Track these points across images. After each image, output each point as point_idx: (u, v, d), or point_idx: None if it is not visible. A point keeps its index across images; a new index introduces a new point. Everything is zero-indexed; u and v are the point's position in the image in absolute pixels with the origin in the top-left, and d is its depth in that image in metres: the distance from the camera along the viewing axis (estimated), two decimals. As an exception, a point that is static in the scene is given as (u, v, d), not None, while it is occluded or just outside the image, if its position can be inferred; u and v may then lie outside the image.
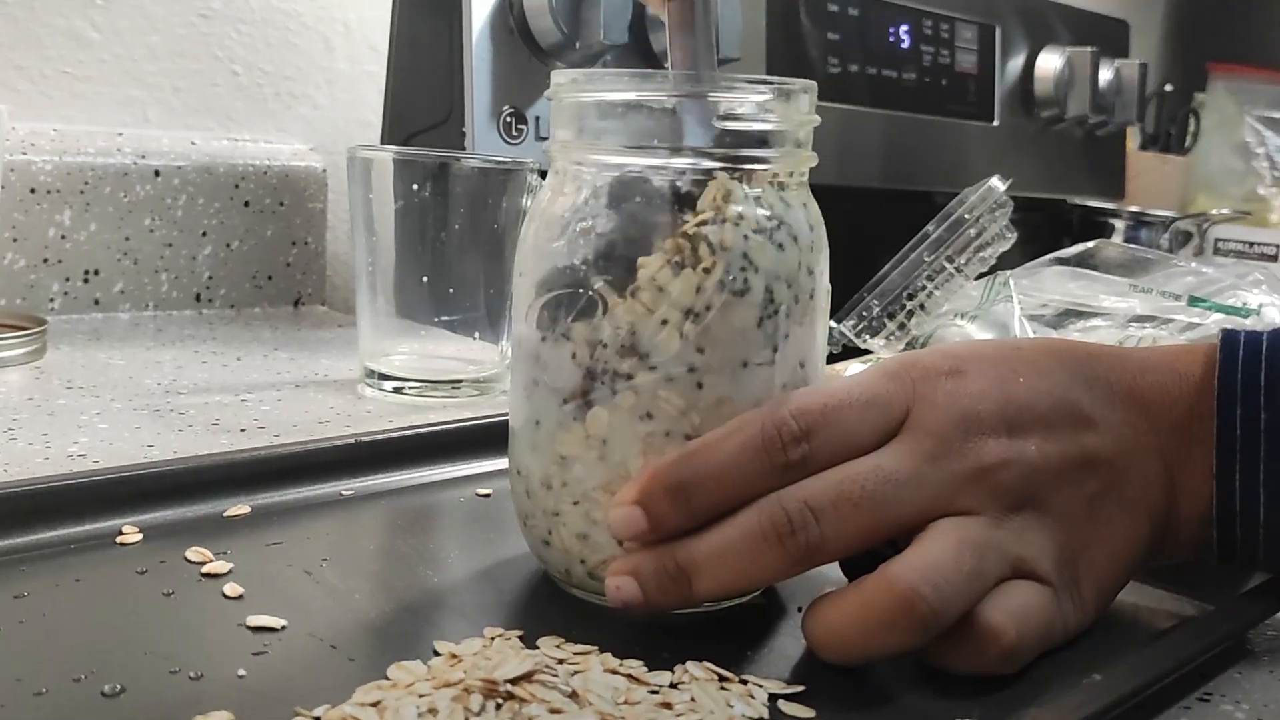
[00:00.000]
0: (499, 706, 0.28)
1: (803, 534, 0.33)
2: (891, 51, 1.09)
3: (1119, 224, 1.36)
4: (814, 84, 0.38)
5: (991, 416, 0.35)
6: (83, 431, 0.54)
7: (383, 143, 0.85)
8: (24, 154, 0.77)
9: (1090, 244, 0.83)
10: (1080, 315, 0.80)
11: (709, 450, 0.34)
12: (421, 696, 0.29)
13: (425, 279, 0.64)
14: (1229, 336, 0.38)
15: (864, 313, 0.80)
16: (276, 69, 0.91)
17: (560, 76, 0.38)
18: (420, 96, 0.83)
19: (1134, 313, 0.78)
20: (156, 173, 0.82)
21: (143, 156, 0.82)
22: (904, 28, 1.10)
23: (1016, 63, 1.22)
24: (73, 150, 0.79)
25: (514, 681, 0.29)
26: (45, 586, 0.37)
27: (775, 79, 0.37)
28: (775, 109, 0.37)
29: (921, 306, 0.81)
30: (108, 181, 0.80)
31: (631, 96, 0.37)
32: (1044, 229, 1.31)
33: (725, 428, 0.35)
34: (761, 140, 0.37)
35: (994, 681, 0.33)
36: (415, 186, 0.63)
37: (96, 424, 0.55)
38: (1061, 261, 0.83)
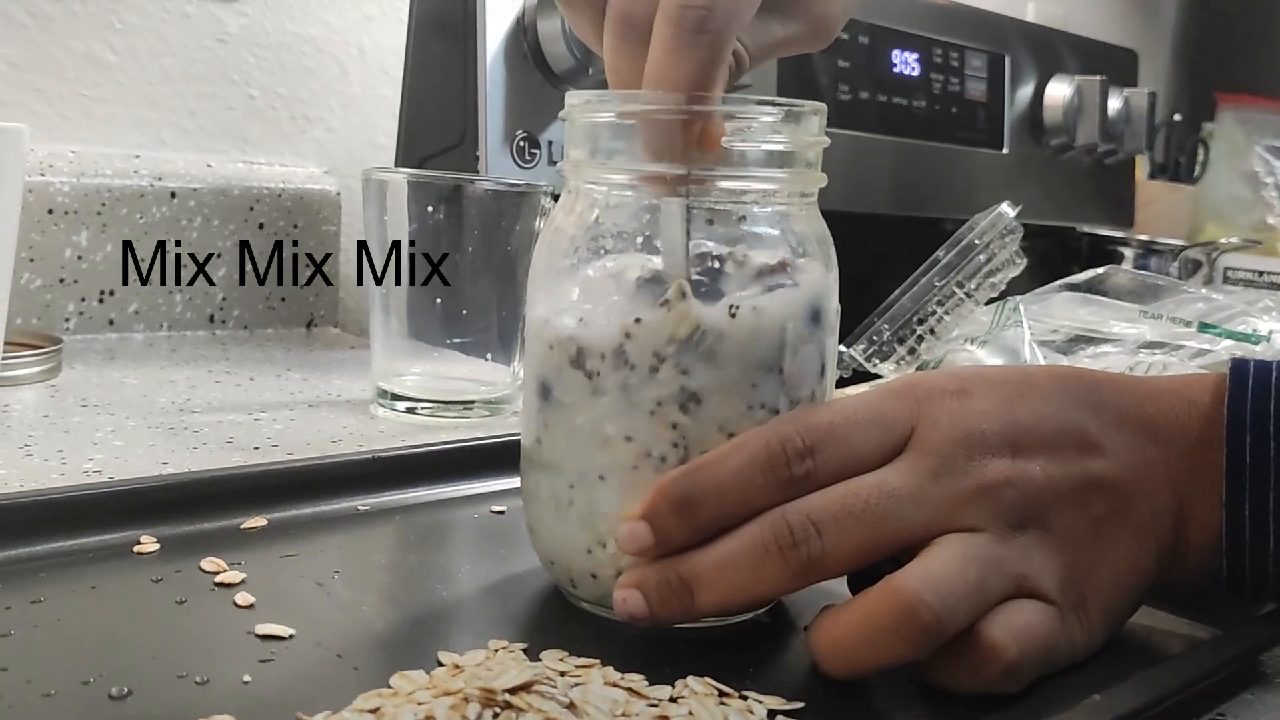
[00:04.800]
0: (496, 715, 0.29)
1: (804, 547, 0.33)
2: (901, 79, 1.09)
3: (1128, 252, 1.36)
4: (824, 106, 0.39)
5: (995, 436, 0.36)
6: (98, 448, 0.54)
7: (396, 166, 0.86)
8: (42, 175, 0.78)
9: (1100, 270, 0.83)
10: (1090, 341, 0.80)
11: (713, 465, 0.35)
12: (420, 704, 0.29)
13: (438, 300, 0.65)
14: (1239, 365, 0.38)
15: (874, 337, 0.80)
16: (291, 93, 0.92)
17: (574, 97, 0.39)
18: (434, 120, 0.84)
19: (1144, 339, 0.78)
20: (172, 194, 0.83)
21: (159, 178, 0.83)
22: (914, 56, 1.11)
23: (1026, 91, 1.23)
24: (90, 172, 0.80)
25: (513, 691, 0.29)
26: (61, 593, 0.37)
27: (785, 100, 0.38)
28: (784, 130, 0.38)
29: (931, 331, 0.82)
30: (124, 203, 0.81)
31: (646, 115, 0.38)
32: (1053, 257, 1.31)
33: (731, 443, 0.35)
34: (772, 160, 0.38)
35: (994, 701, 0.33)
36: (429, 208, 0.64)
37: (111, 441, 0.56)
38: (1072, 287, 0.84)
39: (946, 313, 0.81)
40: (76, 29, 0.81)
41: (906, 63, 1.10)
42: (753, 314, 0.36)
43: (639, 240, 0.38)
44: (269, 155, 0.91)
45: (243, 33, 0.89)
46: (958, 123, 1.16)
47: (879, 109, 1.08)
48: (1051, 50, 1.26)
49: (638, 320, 0.36)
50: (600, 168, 0.38)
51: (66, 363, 0.71)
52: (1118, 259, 1.37)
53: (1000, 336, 0.79)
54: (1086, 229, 1.36)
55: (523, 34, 0.81)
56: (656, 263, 0.37)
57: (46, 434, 0.56)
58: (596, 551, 0.37)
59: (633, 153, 0.38)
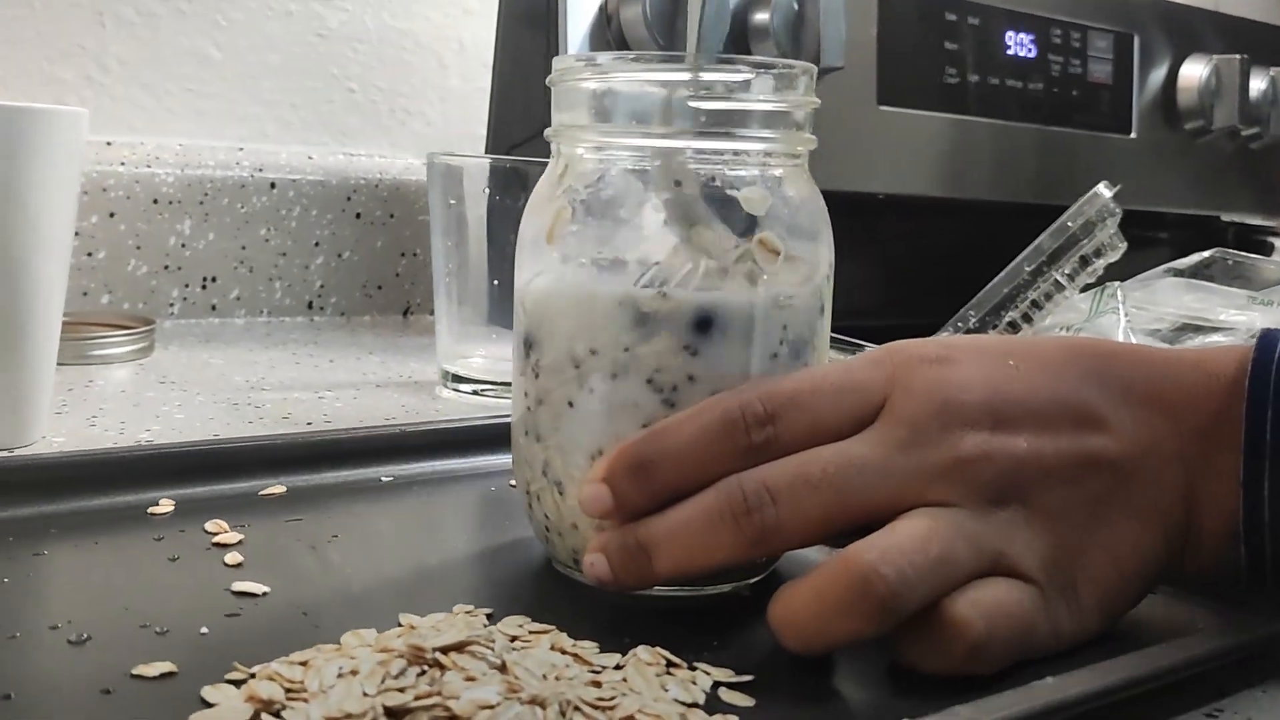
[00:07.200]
0: (422, 673, 0.29)
1: (758, 515, 0.32)
2: (1015, 61, 1.05)
3: (1279, 242, 1.29)
4: (812, 66, 0.38)
5: (975, 408, 0.34)
6: (159, 420, 0.57)
7: (487, 153, 0.88)
8: (148, 167, 0.82)
9: (1206, 254, 0.79)
10: (1199, 330, 0.76)
11: (672, 430, 0.34)
12: (351, 659, 0.29)
13: (495, 283, 0.65)
14: (1267, 336, 0.35)
15: (959, 323, 0.77)
16: (391, 86, 0.94)
17: (560, 63, 0.39)
18: (520, 109, 0.85)
19: (1254, 326, 0.73)
20: (273, 185, 0.86)
21: (260, 169, 0.86)
22: (1029, 37, 1.06)
23: (1158, 73, 1.17)
24: (194, 164, 0.84)
25: (444, 651, 0.29)
26: (65, 548, 0.39)
27: (773, 60, 0.37)
28: (772, 90, 0.37)
29: (1026, 318, 0.78)
30: (226, 193, 0.84)
31: (628, 79, 0.38)
32: (1194, 247, 1.24)
33: (693, 408, 0.34)
34: (759, 121, 0.37)
35: (955, 683, 0.31)
36: (487, 190, 0.65)
37: (174, 414, 0.58)
38: (1176, 273, 0.80)
39: (1041, 298, 0.78)
40: (183, 27, 0.85)
41: (1022, 44, 1.06)
42: (739, 283, 0.35)
43: (620, 211, 0.37)
44: (368, 147, 0.94)
45: (343, 28, 0.91)
46: (1079, 106, 1.11)
47: (991, 92, 1.04)
48: (1188, 29, 1.19)
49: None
50: (586, 130, 0.38)
51: (163, 344, 0.75)
52: (1267, 249, 1.29)
53: (1096, 324, 0.76)
54: (1231, 217, 1.28)
55: (606, 23, 0.82)
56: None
57: (116, 407, 0.59)
58: (579, 519, 0.37)
59: (618, 114, 0.37)
